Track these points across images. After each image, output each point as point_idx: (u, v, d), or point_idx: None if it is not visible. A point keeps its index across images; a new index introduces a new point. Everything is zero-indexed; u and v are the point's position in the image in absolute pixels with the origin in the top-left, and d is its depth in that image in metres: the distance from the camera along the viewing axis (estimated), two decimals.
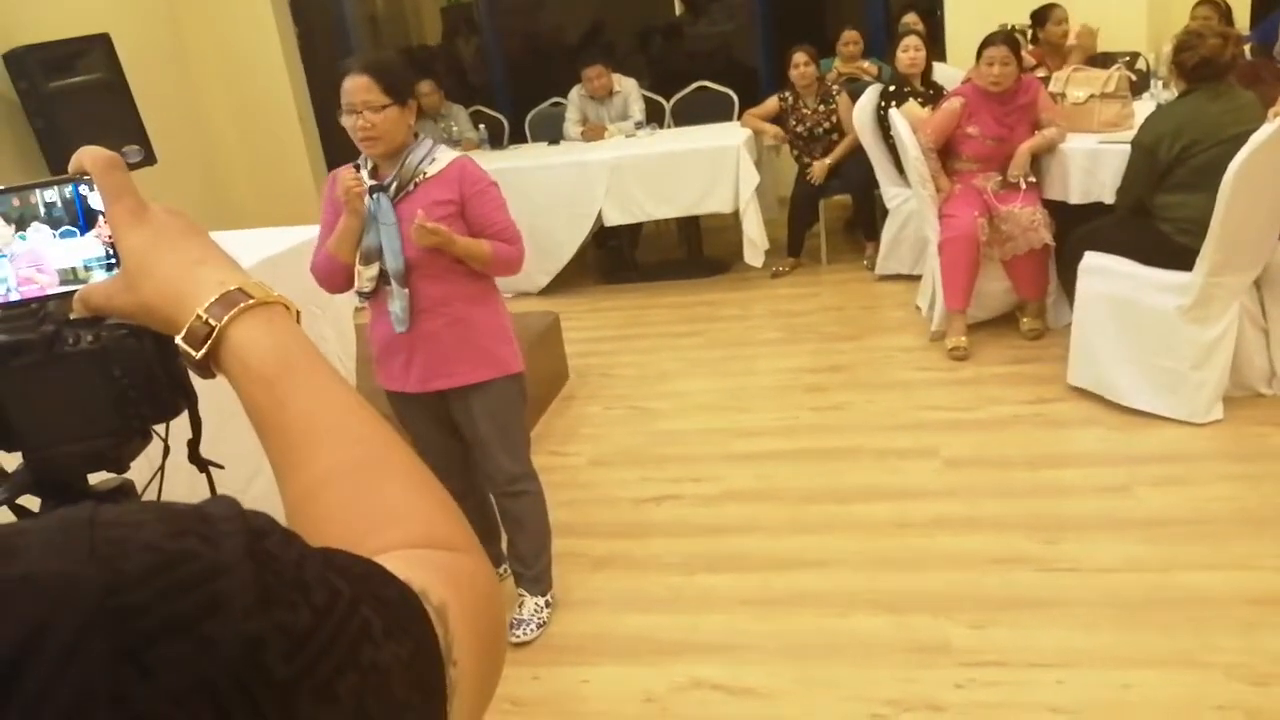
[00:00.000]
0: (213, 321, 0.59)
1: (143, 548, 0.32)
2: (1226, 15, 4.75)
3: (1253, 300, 3.33)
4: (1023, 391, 3.67)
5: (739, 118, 5.76)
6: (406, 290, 2.33)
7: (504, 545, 2.71)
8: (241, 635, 0.32)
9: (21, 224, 0.75)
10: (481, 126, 6.10)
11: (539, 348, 4.06)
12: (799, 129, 5.38)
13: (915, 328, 4.42)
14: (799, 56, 5.26)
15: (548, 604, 2.67)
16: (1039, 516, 2.87)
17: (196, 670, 0.30)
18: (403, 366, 2.44)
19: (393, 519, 0.55)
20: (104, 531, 0.32)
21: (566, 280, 5.56)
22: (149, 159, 5.24)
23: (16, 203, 0.75)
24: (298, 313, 0.64)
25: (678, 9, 9.05)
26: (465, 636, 0.46)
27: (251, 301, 0.59)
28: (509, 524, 2.63)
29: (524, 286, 5.36)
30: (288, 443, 0.58)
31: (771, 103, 5.47)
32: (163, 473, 0.82)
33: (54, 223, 0.75)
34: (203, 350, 0.59)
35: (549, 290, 5.47)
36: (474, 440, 2.49)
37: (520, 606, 2.64)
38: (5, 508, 0.78)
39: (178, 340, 0.61)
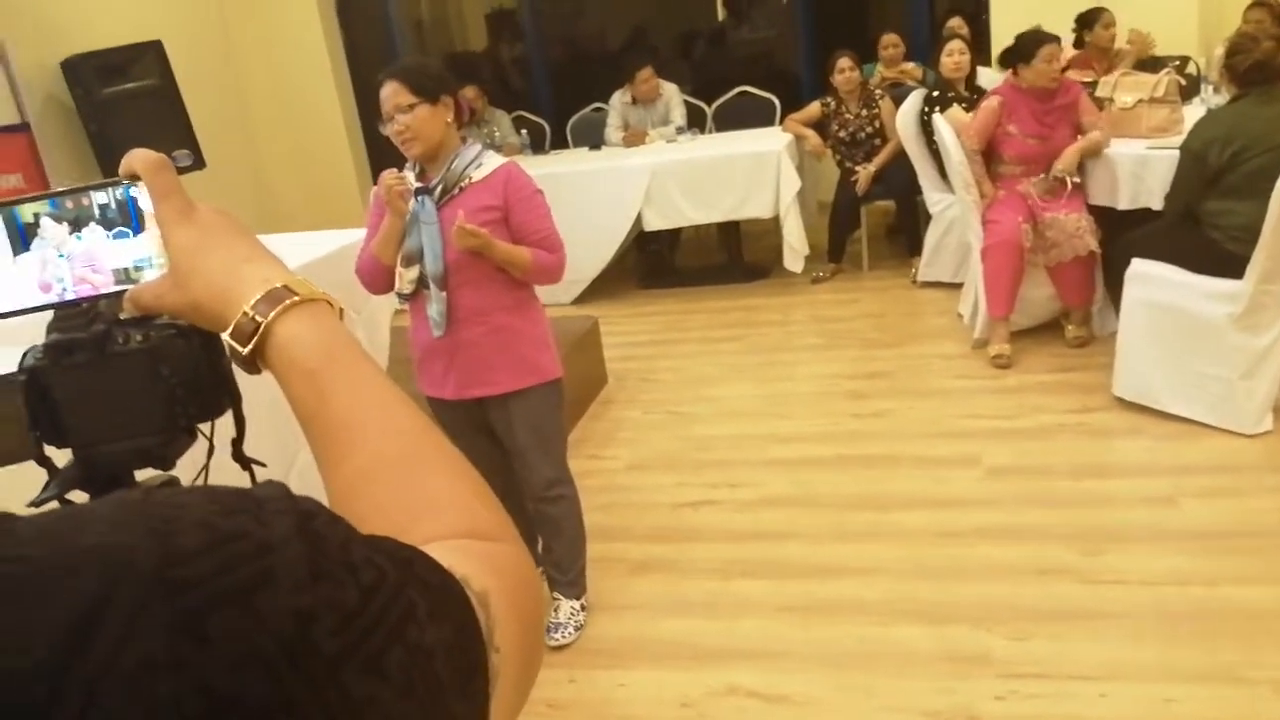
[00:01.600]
0: (259, 318, 0.60)
1: (196, 524, 0.33)
2: (1279, 18, 4.65)
3: None
4: (1067, 400, 3.62)
5: (781, 123, 5.74)
6: (444, 294, 2.35)
7: (539, 549, 2.72)
8: (292, 609, 0.33)
9: (77, 225, 0.77)
10: (524, 131, 6.15)
11: (578, 351, 4.08)
12: (841, 134, 5.35)
13: (957, 335, 4.37)
14: (842, 61, 5.24)
15: (583, 607, 2.68)
16: (1082, 527, 2.82)
17: (250, 640, 0.31)
18: (442, 373, 2.46)
19: (434, 510, 0.56)
20: (159, 510, 0.34)
21: (606, 284, 5.58)
22: (199, 163, 5.35)
23: (70, 205, 0.77)
24: (341, 309, 0.66)
25: (720, 14, 9.06)
26: (507, 623, 0.47)
27: (297, 298, 0.61)
28: (546, 529, 2.64)
29: (560, 291, 5.38)
30: (332, 436, 0.59)
31: (814, 107, 5.45)
32: (207, 471, 0.84)
33: (108, 224, 0.77)
34: (249, 346, 0.60)
35: (589, 294, 5.49)
36: (512, 447, 2.51)
37: (556, 610, 2.65)
38: (55, 502, 0.80)
39: (225, 337, 0.62)
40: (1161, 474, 3.08)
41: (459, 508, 0.57)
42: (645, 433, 3.89)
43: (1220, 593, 2.48)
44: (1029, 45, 4.05)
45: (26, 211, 0.77)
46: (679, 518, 3.21)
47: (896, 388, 3.98)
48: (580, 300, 5.43)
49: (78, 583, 0.30)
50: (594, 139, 6.02)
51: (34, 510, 0.79)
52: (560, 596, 2.67)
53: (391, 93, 2.26)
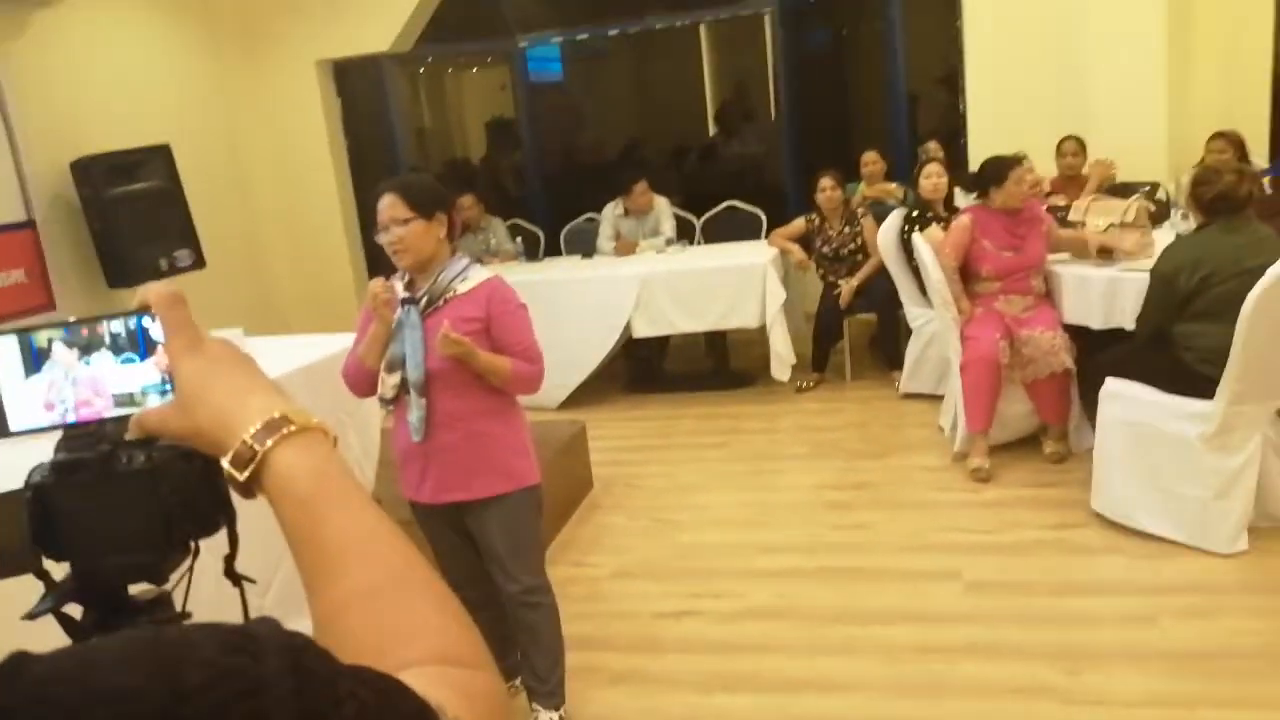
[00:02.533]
0: (257, 446, 0.65)
1: (199, 663, 0.38)
2: (1240, 147, 4.87)
3: (1276, 431, 3.33)
4: (1046, 515, 3.65)
5: (767, 236, 5.91)
6: (424, 400, 2.40)
7: (519, 656, 2.70)
8: None
9: (87, 350, 0.83)
10: (519, 239, 6.30)
11: (564, 456, 4.11)
12: (825, 249, 5.51)
13: (938, 447, 4.43)
14: (824, 181, 5.43)
15: (562, 718, 2.65)
16: (1062, 645, 2.83)
17: None
18: (418, 477, 2.49)
19: (413, 636, 0.60)
20: (166, 650, 0.38)
21: (594, 389, 5.64)
22: (198, 263, 5.46)
23: (85, 333, 0.83)
24: (334, 438, 0.71)
25: (711, 130, 9.38)
26: None
27: (293, 428, 0.66)
28: (523, 635, 2.63)
29: (548, 395, 5.42)
30: (320, 560, 0.63)
31: (798, 223, 5.62)
32: (190, 579, 0.87)
33: (117, 349, 0.83)
34: (246, 472, 0.65)
35: (576, 398, 5.54)
36: (489, 553, 2.53)
37: None
38: (50, 615, 0.83)
39: (223, 462, 0.67)
40: (1140, 592, 3.10)
41: (436, 633, 0.61)
42: (630, 539, 3.90)
43: (1200, 715, 2.48)
44: (1000, 169, 4.23)
45: (41, 337, 0.83)
46: (661, 628, 3.20)
47: (878, 499, 4.01)
48: (568, 404, 5.49)
49: None
50: (586, 248, 6.17)
51: (30, 621, 0.83)
52: (539, 707, 2.64)
53: (388, 205, 2.36)
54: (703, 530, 3.91)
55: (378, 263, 4.82)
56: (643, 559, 3.71)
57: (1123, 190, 4.83)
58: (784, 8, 6.81)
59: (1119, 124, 5.44)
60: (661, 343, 5.93)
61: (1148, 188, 4.92)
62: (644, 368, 5.98)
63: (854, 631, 3.04)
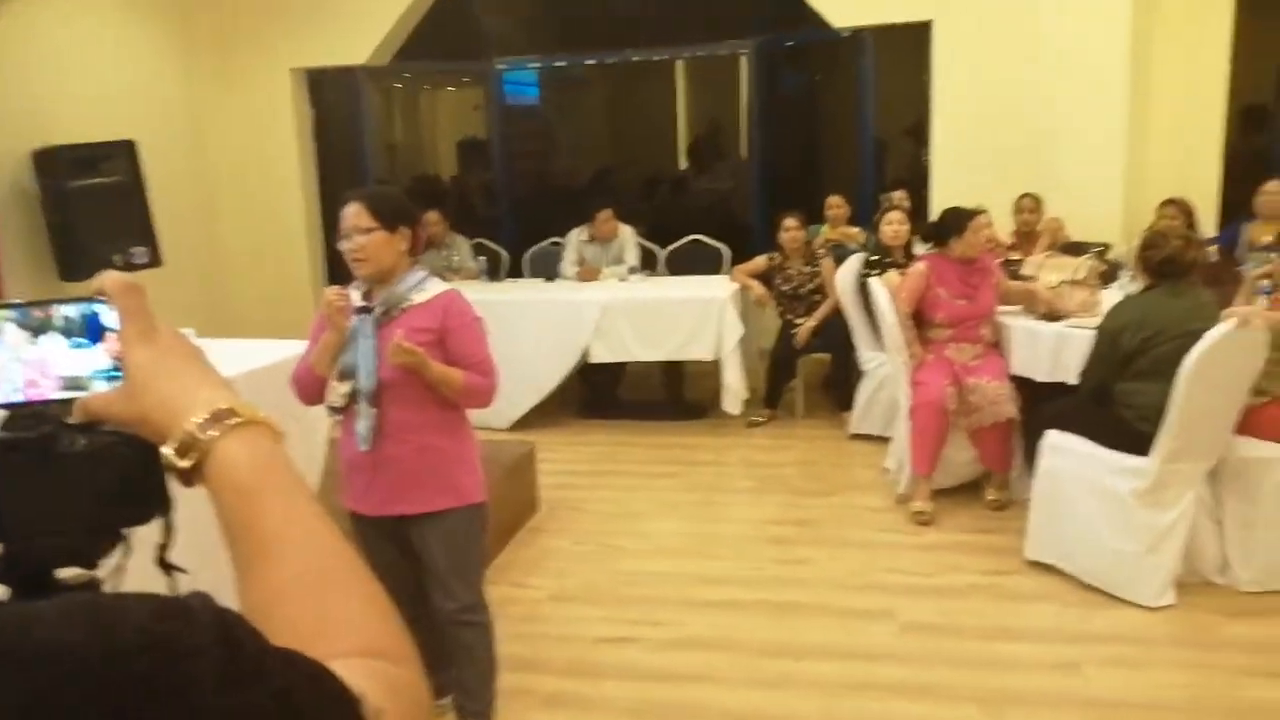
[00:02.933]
0: (201, 435, 0.66)
1: (134, 627, 0.40)
2: (1189, 215, 5.04)
3: (1207, 491, 3.43)
4: (982, 561, 3.72)
5: (729, 271, 5.98)
6: (374, 410, 2.40)
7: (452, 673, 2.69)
8: (213, 708, 0.39)
9: (39, 333, 0.84)
10: (482, 258, 6.31)
11: (511, 476, 4.11)
12: (785, 288, 5.59)
13: (883, 489, 4.49)
14: (788, 221, 5.52)
15: None
16: (989, 689, 2.88)
17: None
18: (364, 488, 2.48)
19: (343, 629, 0.62)
20: (103, 613, 0.40)
21: (547, 412, 5.65)
22: (154, 260, 5.40)
23: (38, 314, 0.84)
24: (281, 434, 0.72)
25: (682, 164, 9.49)
26: None
27: (239, 420, 0.67)
28: (458, 653, 2.61)
29: (499, 414, 5.40)
30: (256, 550, 0.64)
31: (760, 260, 5.70)
32: (123, 571, 0.87)
33: (68, 333, 0.84)
34: (188, 461, 0.66)
35: (528, 420, 5.54)
36: (428, 566, 2.51)
37: None
38: None
39: (166, 450, 0.68)
40: (1067, 640, 3.17)
41: (365, 629, 0.63)
42: (572, 563, 3.90)
43: None
44: (960, 219, 4.34)
45: None
46: (597, 653, 3.20)
47: (821, 536, 4.06)
48: (519, 425, 5.48)
49: (29, 674, 0.36)
50: (549, 271, 6.19)
51: None
52: None
53: (354, 213, 2.38)
54: (646, 558, 3.92)
55: (338, 272, 4.80)
56: (584, 583, 3.71)
57: (1076, 249, 4.97)
58: (760, 50, 6.94)
59: (1078, 187, 5.63)
60: (617, 370, 5.96)
61: (1100, 248, 5.06)
62: (598, 393, 6.00)
63: (789, 666, 3.06)
